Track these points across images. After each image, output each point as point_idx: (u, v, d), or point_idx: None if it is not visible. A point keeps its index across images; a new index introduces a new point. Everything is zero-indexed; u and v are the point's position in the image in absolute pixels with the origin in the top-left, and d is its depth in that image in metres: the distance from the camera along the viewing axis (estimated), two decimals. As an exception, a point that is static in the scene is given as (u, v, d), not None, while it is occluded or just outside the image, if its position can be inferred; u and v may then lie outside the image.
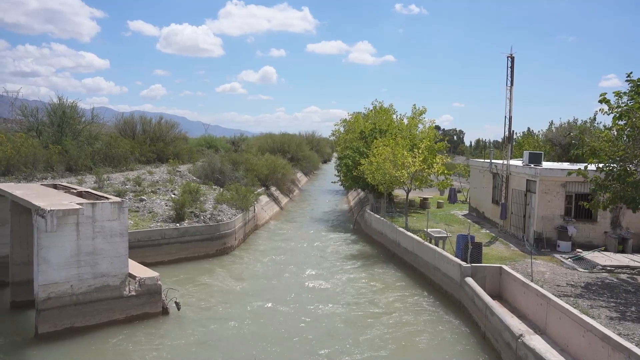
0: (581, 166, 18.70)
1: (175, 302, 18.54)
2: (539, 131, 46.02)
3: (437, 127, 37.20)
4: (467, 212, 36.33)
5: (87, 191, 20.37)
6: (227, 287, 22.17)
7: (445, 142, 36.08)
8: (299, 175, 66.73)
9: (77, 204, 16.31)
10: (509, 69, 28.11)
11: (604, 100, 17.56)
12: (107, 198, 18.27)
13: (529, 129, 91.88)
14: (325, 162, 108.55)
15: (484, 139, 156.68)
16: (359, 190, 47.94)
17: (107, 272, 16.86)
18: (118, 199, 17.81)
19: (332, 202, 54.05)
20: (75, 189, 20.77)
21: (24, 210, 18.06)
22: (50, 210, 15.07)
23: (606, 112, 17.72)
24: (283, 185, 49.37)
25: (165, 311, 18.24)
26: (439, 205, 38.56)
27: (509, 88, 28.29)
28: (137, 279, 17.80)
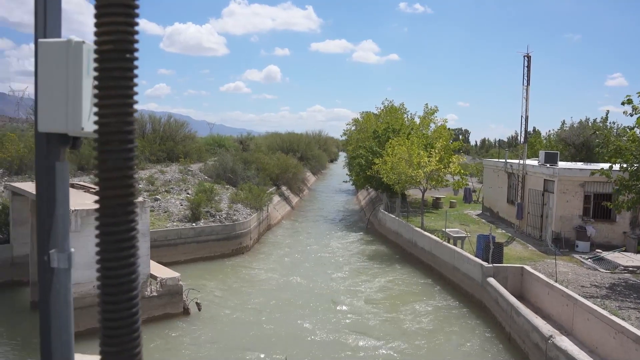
0: (597, 166, 18.63)
1: (196, 303, 18.47)
2: (549, 131, 45.83)
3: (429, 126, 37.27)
4: (481, 211, 36.17)
5: (107, 191, 20.33)
6: (246, 287, 22.09)
7: (462, 141, 35.92)
8: (308, 174, 66.68)
9: (100, 203, 16.24)
10: (526, 68, 27.95)
11: (628, 101, 17.48)
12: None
13: (534, 128, 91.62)
14: (332, 161, 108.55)
15: (489, 139, 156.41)
16: (369, 189, 47.81)
17: (129, 272, 16.79)
18: (140, 199, 17.75)
19: (341, 201, 53.94)
20: (94, 188, 20.69)
21: (45, 210, 17.98)
22: (75, 210, 15.00)
23: (630, 113, 17.62)
24: (294, 184, 49.24)
25: (186, 311, 18.17)
26: (452, 205, 38.41)
27: (525, 87, 28.13)
28: (158, 279, 17.74)
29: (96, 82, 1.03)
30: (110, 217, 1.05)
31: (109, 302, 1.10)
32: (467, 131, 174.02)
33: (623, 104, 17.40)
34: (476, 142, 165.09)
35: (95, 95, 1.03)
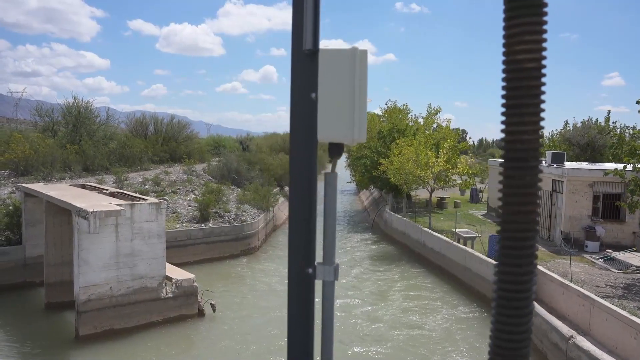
0: (602, 166, 18.72)
1: (211, 304, 18.44)
2: (551, 131, 45.91)
3: (433, 127, 37.37)
4: (486, 212, 36.24)
5: (119, 191, 20.28)
6: (258, 287, 22.09)
7: (472, 141, 35.99)
8: (309, 174, 66.57)
9: (117, 205, 16.22)
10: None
11: (644, 101, 17.60)
12: (140, 199, 18.18)
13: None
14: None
15: (486, 138, 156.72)
16: (372, 190, 47.81)
17: (145, 274, 16.78)
18: (155, 200, 17.74)
19: (344, 202, 53.95)
20: (107, 190, 20.67)
21: (59, 211, 17.95)
22: (93, 211, 14.97)
23: None
24: (297, 185, 49.14)
25: (201, 313, 18.15)
26: (456, 205, 38.47)
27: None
28: (173, 280, 17.72)
29: (505, 94, 1.03)
30: (514, 231, 1.05)
31: (503, 320, 1.09)
32: (464, 131, 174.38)
33: (638, 102, 17.51)
34: (473, 142, 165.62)
35: (507, 108, 1.04)
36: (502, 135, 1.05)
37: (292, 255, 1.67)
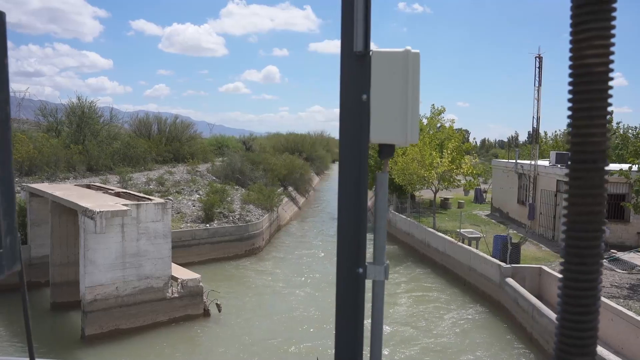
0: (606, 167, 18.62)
1: (216, 304, 18.46)
2: (555, 131, 45.91)
3: (437, 127, 37.32)
4: (489, 212, 36.24)
5: (125, 192, 20.32)
6: (263, 288, 22.11)
7: (474, 142, 36.00)
8: (312, 175, 66.73)
9: (123, 205, 16.25)
10: (537, 69, 28.04)
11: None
12: (146, 199, 18.21)
13: (534, 128, 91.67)
14: (333, 161, 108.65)
15: (489, 139, 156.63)
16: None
17: (151, 274, 16.81)
18: (161, 200, 17.78)
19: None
20: (112, 190, 20.71)
21: (64, 211, 17.99)
22: (100, 211, 15.00)
23: None
24: (301, 185, 49.26)
25: (206, 313, 18.18)
26: (460, 205, 38.47)
27: (536, 88, 28.22)
28: (179, 280, 17.74)
29: (573, 97, 1.05)
30: (582, 231, 1.07)
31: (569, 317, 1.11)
32: (466, 131, 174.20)
33: None
34: (476, 142, 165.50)
35: (574, 112, 1.06)
36: (570, 137, 1.08)
37: (342, 255, 1.68)
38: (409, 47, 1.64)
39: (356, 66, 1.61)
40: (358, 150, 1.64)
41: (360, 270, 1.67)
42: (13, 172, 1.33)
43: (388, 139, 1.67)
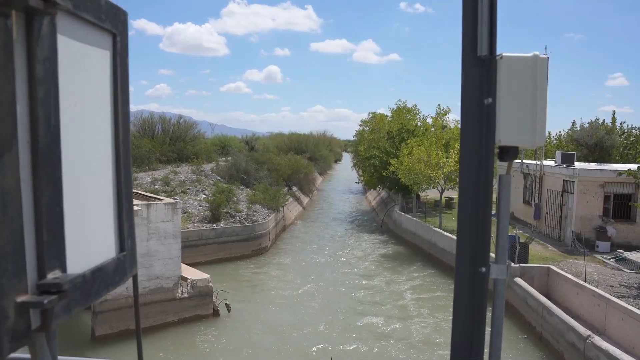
0: (610, 167, 18.72)
1: (226, 304, 18.52)
2: (559, 132, 45.89)
3: (442, 128, 37.30)
4: (494, 212, 36.20)
5: (134, 191, 20.36)
6: (270, 287, 22.17)
7: None
8: (315, 175, 66.83)
9: (133, 204, 16.29)
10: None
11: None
12: (156, 199, 18.27)
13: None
14: (336, 161, 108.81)
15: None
16: (379, 190, 47.86)
17: (160, 274, 16.86)
18: (171, 200, 17.83)
19: (351, 202, 54.04)
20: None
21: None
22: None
23: None
24: (305, 185, 49.33)
25: (215, 313, 18.24)
26: (464, 205, 38.42)
27: (542, 88, 28.17)
28: (188, 281, 17.80)
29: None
30: None
31: None
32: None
33: None
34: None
35: None
36: None
37: (462, 254, 1.73)
38: (537, 52, 1.69)
39: (480, 70, 1.65)
40: (480, 152, 1.69)
41: (483, 269, 1.72)
42: (132, 177, 1.38)
43: (515, 142, 1.72)
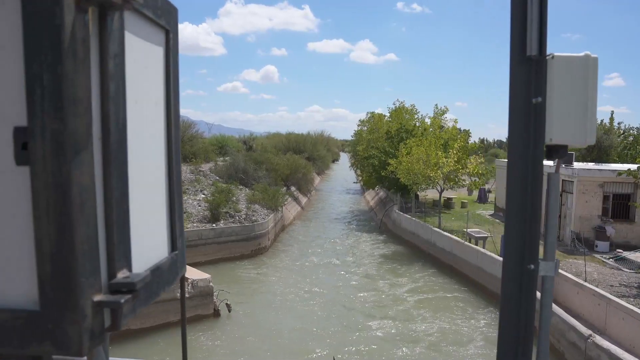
0: (609, 167, 18.75)
1: (226, 304, 18.51)
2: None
3: (440, 128, 37.33)
4: (493, 212, 36.31)
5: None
6: (270, 287, 22.17)
7: (473, 141, 36.15)
8: (313, 175, 66.81)
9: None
10: (542, 69, 28.06)
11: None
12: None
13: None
14: (333, 161, 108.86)
15: (487, 139, 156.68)
16: (378, 190, 47.91)
17: (162, 274, 16.80)
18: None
19: (349, 202, 54.05)
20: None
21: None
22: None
23: None
24: (303, 185, 49.32)
25: (216, 313, 18.22)
26: (463, 205, 38.55)
27: (541, 88, 28.26)
28: (189, 280, 17.76)
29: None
30: None
31: None
32: (467, 131, 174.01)
33: None
34: (474, 141, 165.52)
35: None
36: None
37: (510, 252, 1.74)
38: (588, 52, 1.70)
39: (528, 70, 1.66)
40: (528, 151, 1.70)
41: (532, 266, 1.74)
42: (182, 175, 1.38)
43: (566, 140, 1.73)
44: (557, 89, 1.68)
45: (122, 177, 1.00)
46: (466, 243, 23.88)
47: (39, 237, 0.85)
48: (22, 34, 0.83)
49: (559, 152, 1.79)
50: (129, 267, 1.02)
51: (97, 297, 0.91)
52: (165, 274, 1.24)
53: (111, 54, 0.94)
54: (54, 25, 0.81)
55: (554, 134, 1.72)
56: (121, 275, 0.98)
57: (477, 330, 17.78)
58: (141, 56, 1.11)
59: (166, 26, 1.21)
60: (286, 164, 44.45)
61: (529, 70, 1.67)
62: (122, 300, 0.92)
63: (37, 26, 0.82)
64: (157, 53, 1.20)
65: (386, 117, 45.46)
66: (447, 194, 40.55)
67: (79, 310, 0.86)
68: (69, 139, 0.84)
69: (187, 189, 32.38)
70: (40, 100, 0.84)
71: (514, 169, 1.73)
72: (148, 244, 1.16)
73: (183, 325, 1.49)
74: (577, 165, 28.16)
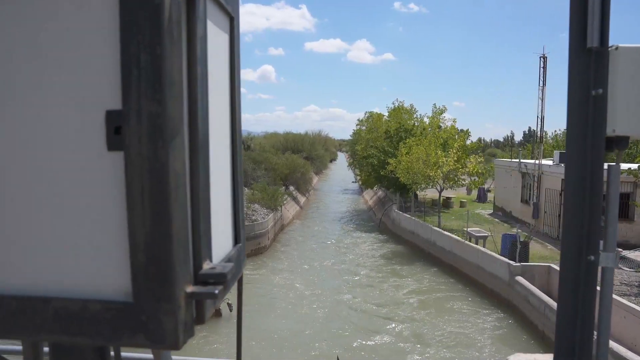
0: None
1: (228, 304, 18.46)
2: (555, 131, 46.19)
3: (439, 127, 37.45)
4: (492, 211, 36.39)
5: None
6: (271, 287, 22.16)
7: (481, 142, 36.23)
8: (312, 174, 66.80)
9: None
10: (542, 69, 28.19)
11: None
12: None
13: (530, 128, 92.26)
14: (331, 161, 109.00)
15: (484, 138, 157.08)
16: (376, 189, 47.94)
17: (163, 273, 16.78)
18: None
19: (347, 201, 54.07)
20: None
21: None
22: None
23: None
24: (302, 184, 49.30)
25: (217, 313, 18.16)
26: (462, 205, 38.60)
27: (541, 88, 28.37)
28: (190, 279, 17.73)
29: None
30: None
31: None
32: (465, 131, 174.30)
33: None
34: (472, 141, 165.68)
35: None
36: None
37: (569, 243, 1.73)
38: None
39: (589, 61, 1.65)
40: (587, 142, 1.69)
41: (592, 257, 1.73)
42: (242, 166, 1.35)
43: (631, 131, 1.73)
44: (621, 80, 1.68)
45: (205, 165, 0.97)
46: (466, 242, 23.92)
47: (132, 225, 0.83)
48: (119, 13, 0.80)
49: (620, 144, 1.78)
50: (210, 258, 0.99)
51: (190, 289, 0.88)
52: (234, 266, 1.21)
53: (198, 38, 0.92)
54: (154, 5, 0.79)
55: (617, 125, 1.71)
56: (206, 266, 0.95)
57: (482, 330, 17.79)
58: (213, 42, 1.08)
59: (232, 13, 1.17)
60: (285, 164, 44.42)
61: (589, 62, 1.66)
62: (217, 291, 0.89)
63: (136, 5, 0.79)
64: (223, 40, 1.17)
65: (385, 117, 45.50)
66: (446, 193, 40.58)
67: (174, 302, 0.82)
68: (167, 123, 0.81)
69: (186, 188, 32.35)
70: (137, 82, 0.80)
71: (572, 160, 1.73)
72: (221, 235, 1.13)
73: (239, 321, 1.46)
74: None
